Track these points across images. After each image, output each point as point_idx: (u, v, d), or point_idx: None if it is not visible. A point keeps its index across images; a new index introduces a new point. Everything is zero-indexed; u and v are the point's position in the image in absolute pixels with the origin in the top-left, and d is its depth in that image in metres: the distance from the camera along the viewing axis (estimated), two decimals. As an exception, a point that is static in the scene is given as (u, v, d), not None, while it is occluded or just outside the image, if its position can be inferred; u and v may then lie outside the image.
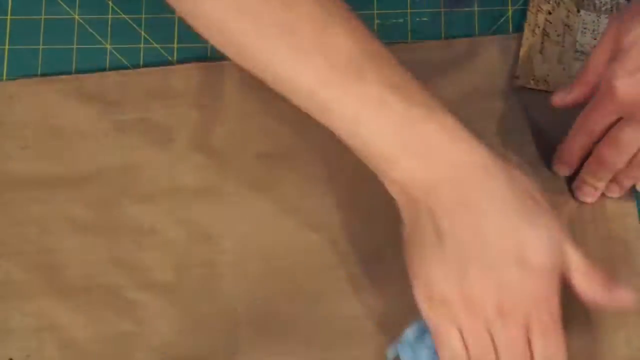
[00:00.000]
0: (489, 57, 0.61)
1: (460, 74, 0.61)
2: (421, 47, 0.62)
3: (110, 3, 0.64)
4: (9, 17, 0.63)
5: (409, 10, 0.63)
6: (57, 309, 0.57)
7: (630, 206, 0.58)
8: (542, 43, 0.60)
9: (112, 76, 0.62)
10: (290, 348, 0.57)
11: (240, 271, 0.58)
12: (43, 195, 0.60)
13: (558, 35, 0.60)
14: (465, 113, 0.59)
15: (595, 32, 0.60)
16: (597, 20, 0.60)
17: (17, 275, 0.58)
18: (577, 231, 0.57)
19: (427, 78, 0.59)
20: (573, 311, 0.56)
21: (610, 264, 0.57)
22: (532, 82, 0.60)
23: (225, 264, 0.58)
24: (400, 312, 0.56)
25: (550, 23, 0.60)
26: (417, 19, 0.63)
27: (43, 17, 0.63)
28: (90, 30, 0.63)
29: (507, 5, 0.63)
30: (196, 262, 0.58)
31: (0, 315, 0.57)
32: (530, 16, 0.61)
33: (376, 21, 0.63)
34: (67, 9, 0.64)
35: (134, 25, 0.63)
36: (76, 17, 0.63)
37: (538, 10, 0.61)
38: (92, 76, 0.62)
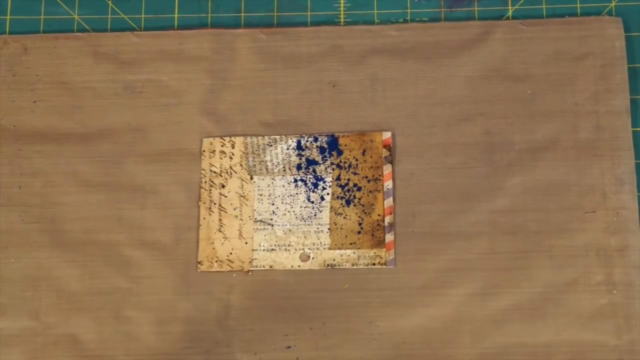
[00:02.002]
0: (500, 40, 0.61)
1: (472, 56, 0.61)
2: (432, 27, 0.62)
3: (110, 4, 0.64)
4: (8, 17, 0.64)
5: (408, 10, 0.63)
6: (55, 261, 0.58)
7: (629, 200, 0.58)
8: (220, 220, 0.58)
9: (127, 36, 0.62)
10: (282, 316, 0.57)
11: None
12: (50, 149, 0.60)
13: (235, 209, 0.57)
14: (474, 95, 0.60)
15: (272, 197, 0.57)
16: (272, 183, 0.57)
17: (19, 226, 0.59)
18: (575, 222, 0.58)
19: (439, 58, 0.59)
20: (562, 303, 0.57)
21: (606, 253, 0.57)
22: (215, 264, 0.57)
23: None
24: (395, 287, 0.57)
25: (226, 197, 0.58)
26: (417, 19, 0.63)
27: (42, 17, 0.64)
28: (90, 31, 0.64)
29: (507, 5, 0.62)
30: (195, 225, 0.59)
31: (0, 264, 0.58)
32: (203, 193, 0.58)
33: (376, 21, 0.63)
34: (67, 9, 0.64)
35: (134, 25, 0.63)
36: (76, 17, 0.64)
37: (211, 186, 0.58)
38: (108, 35, 0.62)
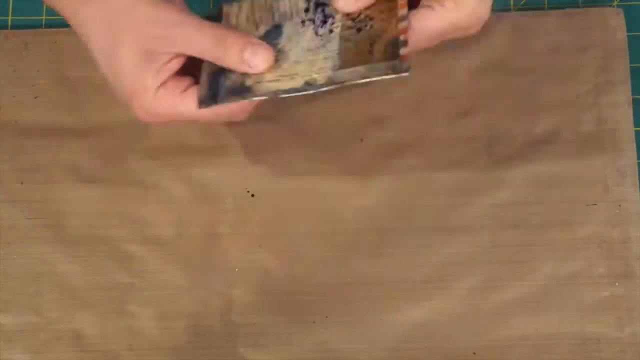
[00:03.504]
0: (501, 33, 0.61)
1: (473, 48, 0.61)
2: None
3: None
4: (9, 17, 0.64)
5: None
6: (57, 256, 0.58)
7: (631, 192, 0.58)
8: None
9: (127, 31, 0.62)
10: (285, 310, 0.57)
11: (240, 231, 0.59)
12: (51, 145, 0.60)
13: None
14: (475, 88, 0.60)
15: (278, 38, 0.53)
16: (277, 28, 0.54)
17: (22, 222, 0.59)
18: (577, 215, 0.58)
19: (439, 50, 0.59)
20: (564, 295, 0.57)
21: (608, 246, 0.57)
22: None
23: (226, 224, 0.59)
24: (397, 280, 0.57)
25: None
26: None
27: (44, 17, 0.64)
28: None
29: (509, 4, 0.62)
30: (197, 220, 0.59)
31: (2, 260, 0.58)
32: None
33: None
34: None
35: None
36: None
37: None
38: (108, 30, 0.62)
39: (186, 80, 0.50)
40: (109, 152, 0.60)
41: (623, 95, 0.60)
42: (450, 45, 0.60)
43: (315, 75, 0.50)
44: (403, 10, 0.50)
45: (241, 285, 0.58)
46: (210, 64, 0.51)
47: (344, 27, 0.51)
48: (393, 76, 0.48)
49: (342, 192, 0.59)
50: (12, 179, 0.60)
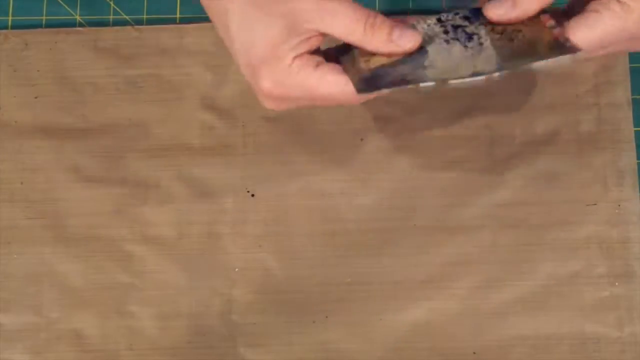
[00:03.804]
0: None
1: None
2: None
3: (111, 4, 0.64)
4: (10, 17, 0.64)
5: (410, 10, 0.63)
6: (57, 256, 0.58)
7: (631, 192, 0.58)
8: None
9: (127, 30, 0.62)
10: (285, 309, 0.57)
11: (240, 231, 0.59)
12: (51, 145, 0.60)
13: None
14: (475, 87, 0.60)
15: (425, 55, 0.50)
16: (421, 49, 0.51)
17: (22, 222, 0.59)
18: (577, 215, 0.58)
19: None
20: (564, 295, 0.57)
21: (608, 246, 0.57)
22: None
23: (226, 224, 0.59)
24: (397, 280, 0.57)
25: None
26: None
27: (44, 17, 0.64)
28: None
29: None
30: (197, 220, 0.59)
31: (2, 259, 0.58)
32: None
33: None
34: (69, 9, 0.64)
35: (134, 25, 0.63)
36: (77, 17, 0.64)
37: (354, 61, 0.51)
38: (108, 29, 0.62)
39: (319, 57, 0.49)
40: (109, 152, 0.60)
41: (623, 95, 0.60)
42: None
43: (480, 68, 0.48)
44: (550, 22, 0.49)
45: (241, 285, 0.58)
46: (359, 73, 0.49)
47: (493, 40, 0.49)
48: (568, 55, 0.47)
49: (342, 192, 0.59)
50: (12, 179, 0.60)
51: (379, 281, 0.57)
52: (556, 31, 0.48)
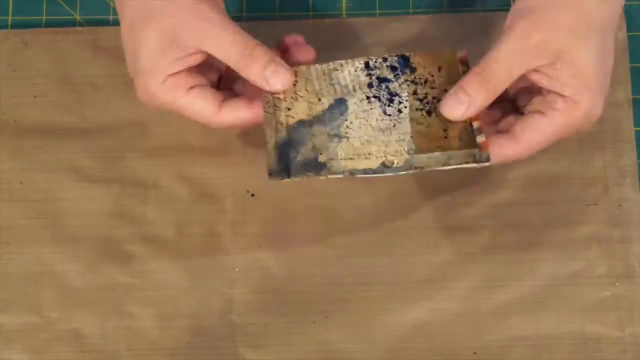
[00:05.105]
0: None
1: (474, 49, 0.61)
2: (433, 20, 0.62)
3: (111, 4, 0.64)
4: (10, 17, 0.64)
5: (410, 11, 0.63)
6: (57, 256, 0.58)
7: (632, 192, 0.58)
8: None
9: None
10: (285, 310, 0.57)
11: (240, 231, 0.58)
12: (51, 144, 0.60)
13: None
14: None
15: (345, 114, 0.52)
16: (343, 102, 0.52)
17: (21, 222, 0.59)
18: (577, 215, 0.58)
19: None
20: (565, 295, 0.57)
21: (608, 246, 0.57)
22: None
23: (226, 224, 0.59)
24: (397, 280, 0.57)
25: (293, 117, 0.51)
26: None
27: (44, 17, 0.64)
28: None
29: (508, 5, 0.62)
30: (197, 220, 0.59)
31: (1, 259, 0.58)
32: (268, 117, 0.51)
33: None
34: (69, 9, 0.64)
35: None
36: (77, 17, 0.63)
37: (275, 109, 0.51)
38: (108, 29, 0.62)
39: (197, 79, 0.51)
40: (109, 152, 0.60)
41: (623, 95, 0.60)
42: (451, 45, 0.60)
43: (391, 157, 0.50)
44: (477, 122, 0.49)
45: (241, 285, 0.58)
46: (276, 134, 0.51)
47: (413, 108, 0.51)
48: (474, 165, 0.49)
49: (342, 192, 0.59)
50: (11, 179, 0.60)
51: (379, 281, 0.57)
52: (480, 139, 0.49)
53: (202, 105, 0.51)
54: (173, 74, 0.50)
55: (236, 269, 0.58)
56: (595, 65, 0.48)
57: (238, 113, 0.51)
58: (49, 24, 0.63)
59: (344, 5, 0.63)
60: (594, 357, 0.56)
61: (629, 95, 0.60)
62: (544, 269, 0.57)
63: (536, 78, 0.49)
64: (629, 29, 0.61)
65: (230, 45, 0.49)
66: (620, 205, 0.58)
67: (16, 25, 0.63)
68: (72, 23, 0.63)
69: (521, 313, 0.57)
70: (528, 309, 0.57)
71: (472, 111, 0.48)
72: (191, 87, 0.50)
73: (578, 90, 0.48)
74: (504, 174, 0.59)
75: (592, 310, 0.56)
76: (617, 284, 0.57)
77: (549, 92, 0.49)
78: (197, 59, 0.50)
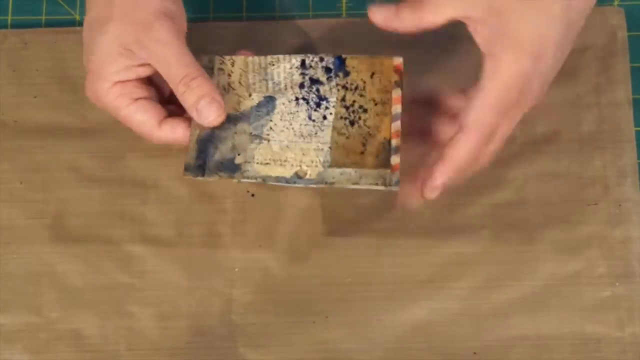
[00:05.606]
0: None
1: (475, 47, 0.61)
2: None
3: None
4: (9, 17, 0.64)
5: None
6: (57, 256, 0.58)
7: (632, 192, 0.58)
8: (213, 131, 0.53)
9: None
10: (285, 310, 0.57)
11: (240, 231, 0.59)
12: (51, 144, 0.60)
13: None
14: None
15: (271, 113, 0.53)
16: (272, 100, 0.53)
17: (21, 222, 0.59)
18: (577, 215, 0.58)
19: (441, 50, 0.59)
20: (565, 295, 0.57)
21: (608, 246, 0.57)
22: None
23: (226, 224, 0.59)
24: (397, 280, 0.57)
25: None
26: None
27: (44, 17, 0.64)
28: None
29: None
30: (197, 220, 0.59)
31: (1, 259, 0.58)
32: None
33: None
34: (69, 9, 0.64)
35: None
36: (77, 17, 0.64)
37: None
38: (107, 30, 0.62)
39: (144, 91, 0.52)
40: (109, 152, 0.60)
41: (623, 95, 0.60)
42: (451, 45, 0.60)
43: (305, 168, 0.51)
44: (397, 107, 0.50)
45: (241, 285, 0.58)
46: (202, 130, 0.52)
47: (338, 116, 0.52)
48: (382, 188, 0.50)
49: (342, 191, 0.59)
50: (12, 179, 0.60)
51: (379, 281, 0.57)
52: (395, 127, 0.50)
53: (142, 119, 0.52)
54: (121, 82, 0.51)
55: (236, 269, 0.58)
56: (533, 29, 0.46)
57: (176, 132, 0.52)
58: (49, 24, 0.63)
59: (344, 5, 0.63)
60: (594, 357, 0.56)
61: (629, 95, 0.60)
62: (544, 269, 0.57)
63: (472, 32, 0.48)
64: (629, 29, 0.61)
65: (173, 68, 0.51)
66: (620, 205, 0.58)
67: (16, 25, 0.63)
68: (72, 23, 0.63)
69: (521, 313, 0.57)
70: (528, 308, 0.57)
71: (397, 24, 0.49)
72: (137, 99, 0.52)
73: (504, 48, 0.47)
74: (504, 174, 0.59)
75: (592, 310, 0.56)
76: (617, 284, 0.57)
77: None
78: (146, 71, 0.52)
